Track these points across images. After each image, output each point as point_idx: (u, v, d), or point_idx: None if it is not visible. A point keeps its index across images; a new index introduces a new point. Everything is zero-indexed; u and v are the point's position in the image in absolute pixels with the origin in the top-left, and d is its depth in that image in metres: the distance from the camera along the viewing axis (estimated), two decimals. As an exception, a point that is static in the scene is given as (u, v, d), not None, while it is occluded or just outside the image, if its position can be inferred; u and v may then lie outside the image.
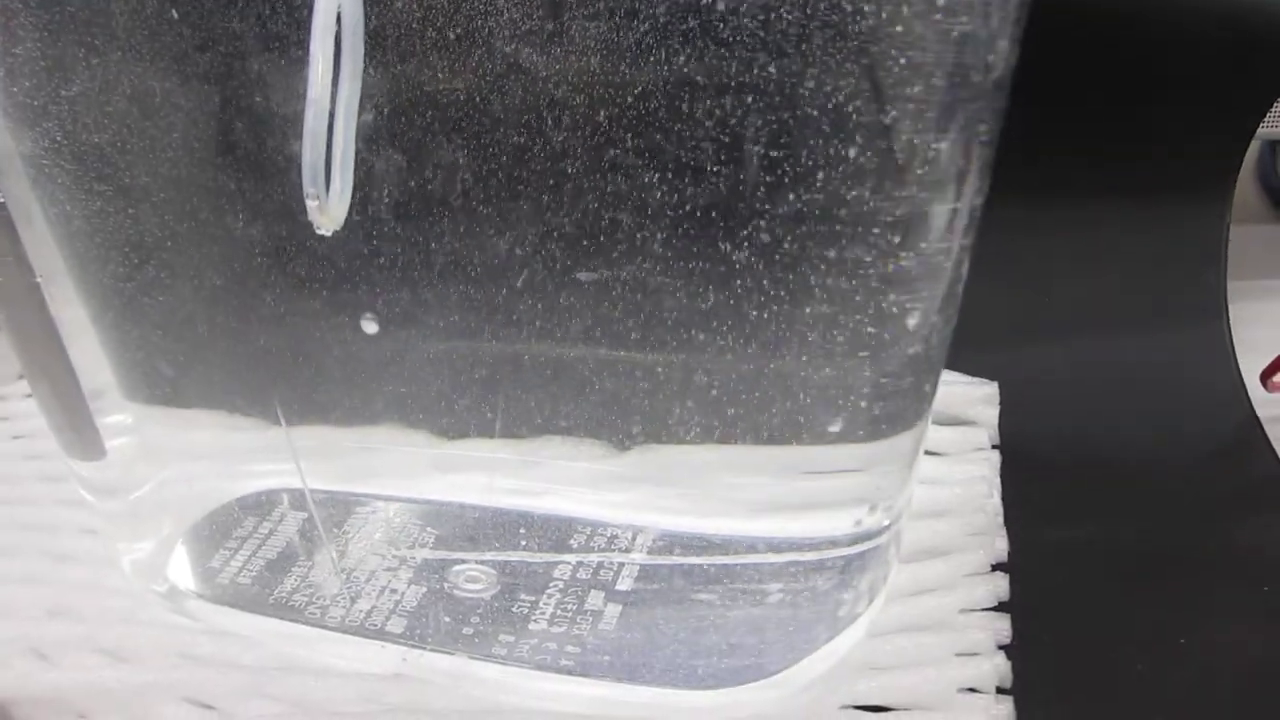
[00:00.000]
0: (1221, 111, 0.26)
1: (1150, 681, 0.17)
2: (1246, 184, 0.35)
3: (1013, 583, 0.18)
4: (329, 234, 0.13)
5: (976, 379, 0.23)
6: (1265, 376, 0.23)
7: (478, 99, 0.14)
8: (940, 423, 0.21)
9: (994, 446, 0.22)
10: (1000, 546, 0.19)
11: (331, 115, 0.13)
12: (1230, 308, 0.27)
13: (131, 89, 0.15)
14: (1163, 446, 0.23)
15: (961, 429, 0.21)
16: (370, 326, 0.15)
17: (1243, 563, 0.20)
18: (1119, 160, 0.26)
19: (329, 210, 0.13)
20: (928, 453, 0.21)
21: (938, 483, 0.20)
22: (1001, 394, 0.22)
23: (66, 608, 0.18)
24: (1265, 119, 0.26)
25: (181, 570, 0.18)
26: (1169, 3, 0.25)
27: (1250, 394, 0.24)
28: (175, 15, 0.14)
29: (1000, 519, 0.20)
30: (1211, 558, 0.20)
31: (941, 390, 0.19)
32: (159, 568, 0.18)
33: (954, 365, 0.23)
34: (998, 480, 0.20)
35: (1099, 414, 0.23)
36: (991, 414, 0.22)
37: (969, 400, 0.22)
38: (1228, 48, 0.25)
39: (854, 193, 0.13)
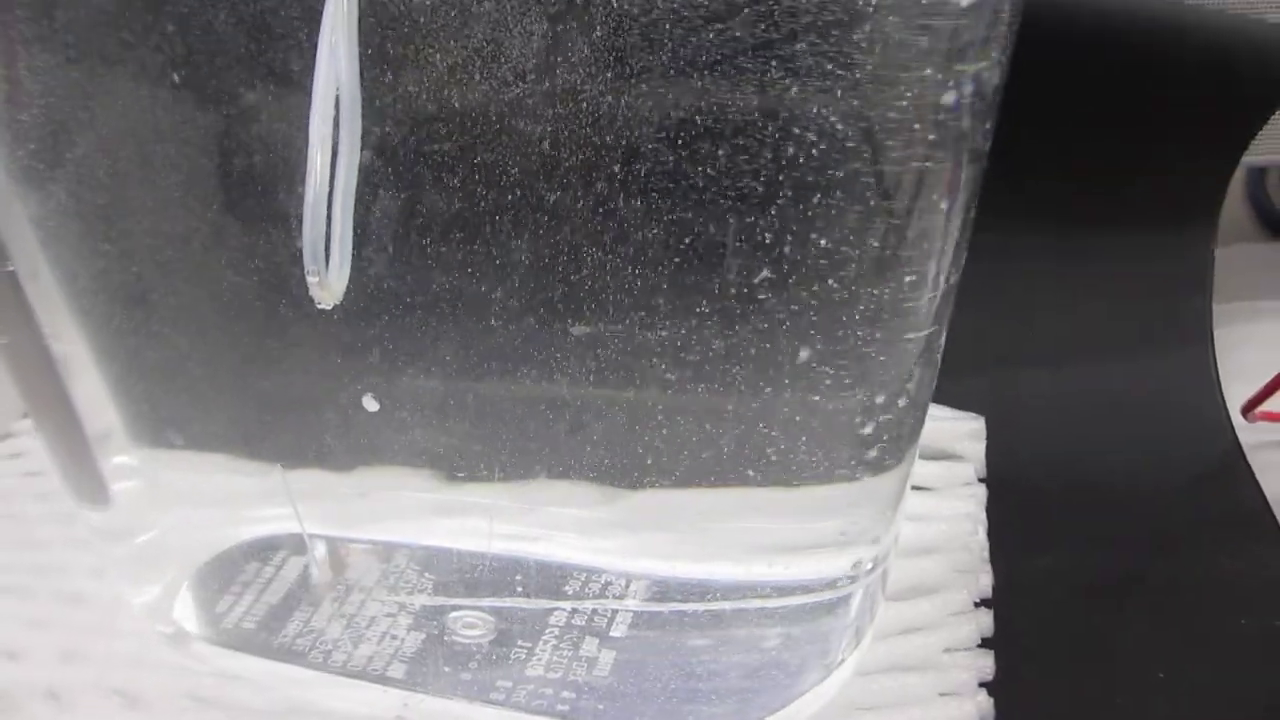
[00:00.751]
0: (1206, 141, 0.26)
1: (1130, 715, 0.18)
2: (1238, 206, 0.35)
3: (997, 617, 0.19)
4: (329, 307, 0.13)
5: (964, 413, 0.23)
6: (1247, 409, 0.23)
7: (473, 155, 0.14)
8: (928, 458, 0.22)
9: (981, 480, 0.22)
10: (985, 582, 0.19)
11: (330, 194, 0.13)
12: (1219, 330, 0.27)
13: (134, 151, 0.15)
14: (1147, 476, 0.23)
15: (948, 464, 0.22)
16: (371, 405, 0.15)
17: (1224, 594, 0.20)
18: (1105, 190, 0.26)
19: (329, 285, 0.13)
20: (916, 488, 0.21)
21: (925, 519, 0.20)
22: (988, 426, 0.23)
23: (78, 651, 0.18)
24: (1253, 144, 0.27)
25: (187, 614, 0.19)
26: (1153, 36, 0.26)
27: (1234, 422, 0.24)
28: (177, 79, 0.15)
29: (985, 554, 0.20)
30: (1193, 589, 0.20)
31: (929, 425, 0.19)
32: (165, 611, 0.19)
33: (942, 398, 0.23)
34: (983, 516, 0.21)
35: (1084, 444, 0.24)
36: (978, 449, 0.22)
37: (956, 435, 0.22)
38: (1211, 79, 0.26)
39: (840, 249, 0.14)
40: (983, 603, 0.19)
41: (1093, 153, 0.26)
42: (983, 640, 0.18)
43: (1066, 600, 0.20)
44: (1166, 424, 0.24)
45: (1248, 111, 0.26)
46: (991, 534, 0.21)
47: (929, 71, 0.13)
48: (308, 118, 0.13)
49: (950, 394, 0.23)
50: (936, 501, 0.21)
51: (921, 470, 0.22)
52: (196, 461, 0.18)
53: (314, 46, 0.13)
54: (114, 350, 0.18)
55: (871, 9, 0.12)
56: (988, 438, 0.23)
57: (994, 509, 0.21)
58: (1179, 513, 0.22)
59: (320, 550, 0.19)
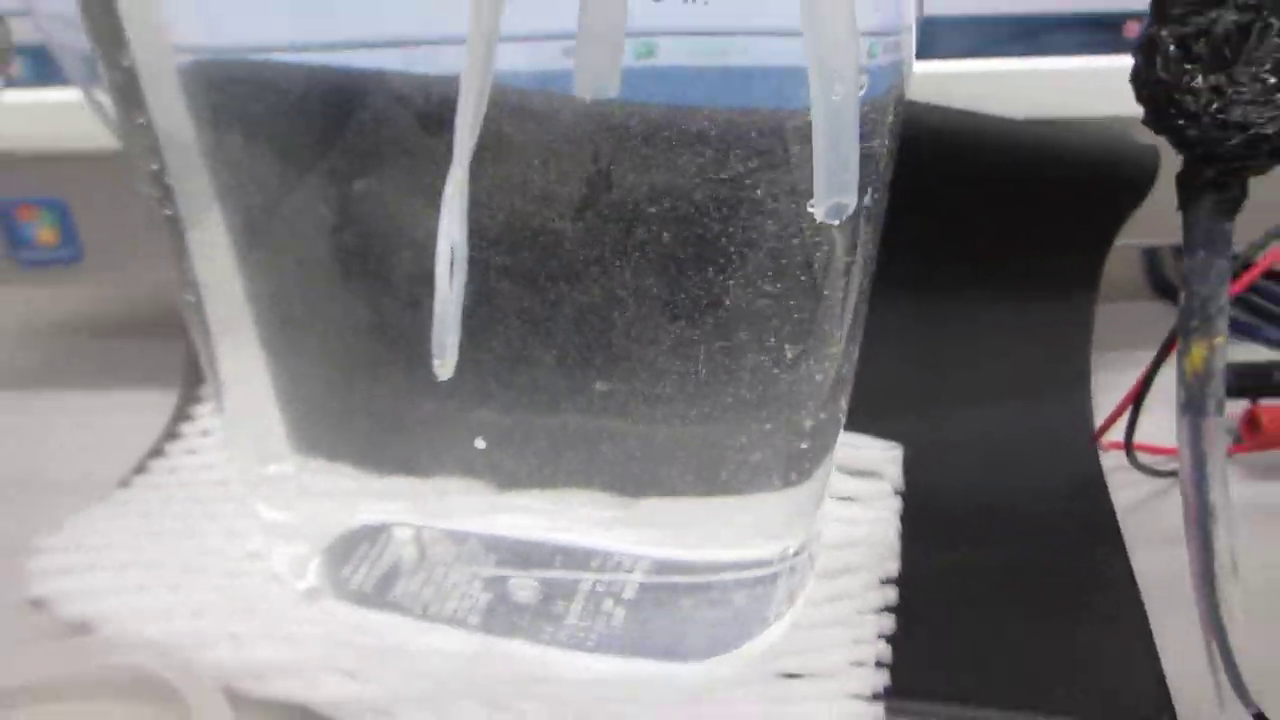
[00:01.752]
0: (1085, 229, 0.34)
1: (990, 661, 0.25)
2: (1138, 273, 0.43)
3: (900, 592, 0.26)
4: (445, 379, 0.21)
5: (887, 443, 0.31)
6: (1093, 440, 0.31)
7: (525, 265, 0.22)
8: (856, 476, 0.29)
9: (897, 493, 0.29)
10: (892, 568, 0.27)
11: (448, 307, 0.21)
12: (1103, 375, 0.35)
13: (312, 241, 0.23)
14: (1028, 493, 0.31)
15: (872, 481, 0.29)
16: (480, 443, 0.23)
17: (1073, 578, 0.28)
18: (1008, 268, 0.34)
19: (446, 365, 0.21)
20: (845, 499, 0.29)
21: (851, 522, 0.28)
22: (905, 453, 0.30)
23: (247, 606, 0.26)
24: (1145, 228, 0.34)
25: (320, 578, 0.26)
26: (1043, 146, 0.33)
27: (1099, 452, 0.32)
28: (325, 211, 0.22)
29: (896, 548, 0.28)
30: (1052, 575, 0.28)
31: (859, 452, 0.27)
32: (304, 576, 0.26)
33: (869, 430, 0.31)
34: (897, 521, 0.28)
35: (982, 468, 0.31)
36: (896, 470, 0.30)
37: (879, 460, 0.30)
38: (1089, 182, 0.33)
39: (769, 322, 0.21)
40: (889, 581, 0.27)
41: (999, 239, 0.34)
42: (886, 607, 0.26)
43: (955, 582, 0.27)
44: (1048, 453, 0.32)
45: (1115, 208, 0.33)
46: (903, 535, 0.28)
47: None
48: (419, 221, 0.21)
49: (876, 427, 0.31)
50: (861, 509, 0.28)
51: (851, 485, 0.29)
52: (328, 468, 0.26)
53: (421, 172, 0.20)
54: (282, 389, 0.25)
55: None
56: (905, 462, 0.30)
57: (906, 516, 0.29)
58: (1050, 521, 0.30)
59: (415, 535, 0.26)
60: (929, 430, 0.31)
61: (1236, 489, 0.31)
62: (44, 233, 0.34)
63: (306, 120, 0.21)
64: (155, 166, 0.22)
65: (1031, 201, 0.33)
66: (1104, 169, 0.33)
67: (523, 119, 0.20)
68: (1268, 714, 0.22)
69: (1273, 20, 0.19)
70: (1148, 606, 0.26)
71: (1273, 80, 0.19)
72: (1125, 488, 0.31)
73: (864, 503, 0.29)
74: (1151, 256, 0.42)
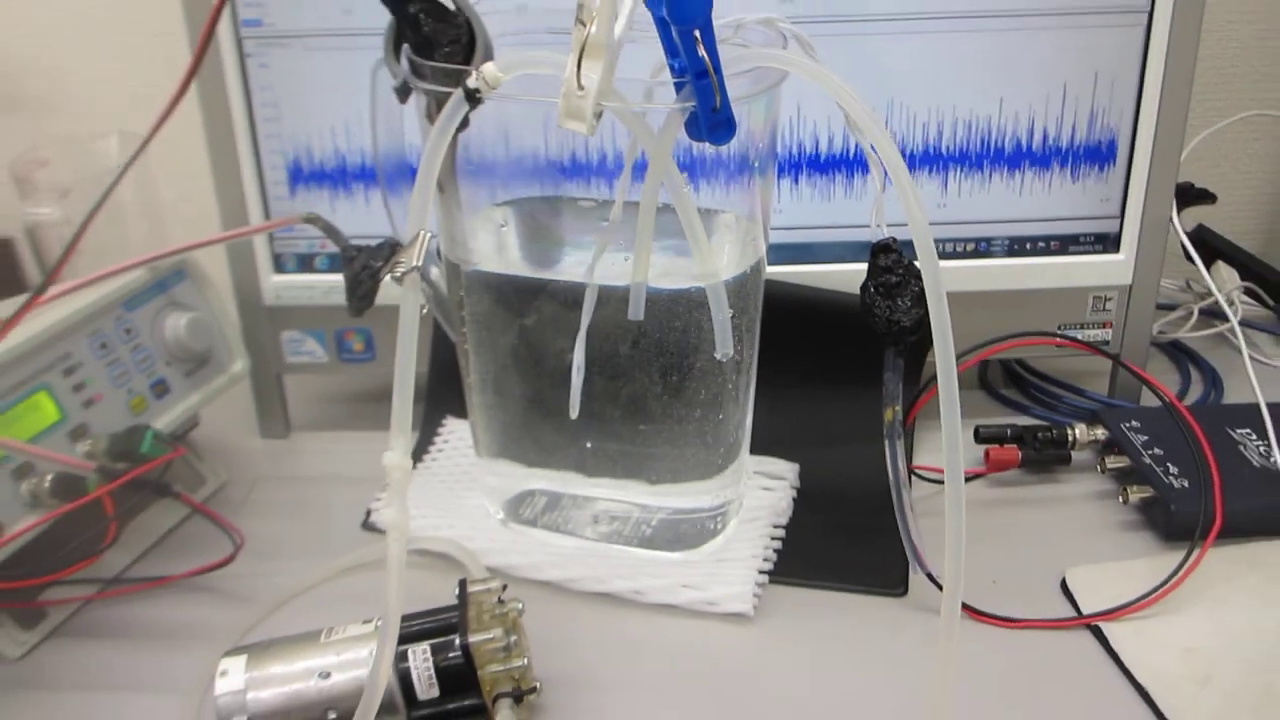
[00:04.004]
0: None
1: (826, 561, 0.53)
2: (974, 373, 0.70)
3: (786, 532, 0.54)
4: (574, 417, 0.50)
5: (788, 462, 0.59)
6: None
7: (609, 370, 0.51)
8: (770, 478, 0.57)
9: (794, 487, 0.57)
10: (783, 520, 0.55)
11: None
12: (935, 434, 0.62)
13: (507, 343, 0.53)
14: (865, 489, 0.58)
15: (779, 481, 0.57)
16: (589, 444, 0.52)
17: (877, 527, 0.55)
18: (860, 373, 0.62)
19: (575, 410, 0.49)
20: (764, 489, 0.57)
21: (763, 499, 0.56)
22: (800, 467, 0.58)
23: (474, 525, 0.55)
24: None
25: (506, 513, 0.55)
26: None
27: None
28: (516, 340, 0.52)
29: (789, 511, 0.56)
30: (867, 528, 0.55)
31: (774, 466, 0.55)
32: (498, 511, 0.55)
33: (781, 456, 0.59)
34: (790, 500, 0.56)
35: (843, 476, 0.59)
36: (794, 476, 0.58)
37: (784, 470, 0.58)
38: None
39: (705, 397, 0.50)
40: (780, 525, 0.54)
41: (855, 356, 0.62)
42: (776, 536, 0.54)
43: (817, 529, 0.55)
44: (881, 470, 0.59)
45: (922, 340, 0.61)
46: (794, 506, 0.56)
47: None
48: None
49: (786, 455, 0.59)
50: (770, 494, 0.56)
51: (767, 482, 0.57)
52: (509, 463, 0.55)
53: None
54: (490, 424, 0.55)
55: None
56: (800, 472, 0.58)
57: (797, 499, 0.57)
58: (874, 502, 0.57)
59: (551, 496, 0.55)
60: (815, 457, 0.59)
61: (980, 492, 0.59)
62: (357, 344, 0.64)
63: (512, 298, 0.51)
64: (463, 330, 0.52)
65: (872, 337, 0.61)
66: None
67: (608, 308, 0.49)
68: (934, 575, 0.49)
69: (910, 279, 0.48)
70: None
71: (909, 304, 0.48)
72: (917, 486, 0.58)
73: (773, 491, 0.57)
74: (984, 364, 0.69)
